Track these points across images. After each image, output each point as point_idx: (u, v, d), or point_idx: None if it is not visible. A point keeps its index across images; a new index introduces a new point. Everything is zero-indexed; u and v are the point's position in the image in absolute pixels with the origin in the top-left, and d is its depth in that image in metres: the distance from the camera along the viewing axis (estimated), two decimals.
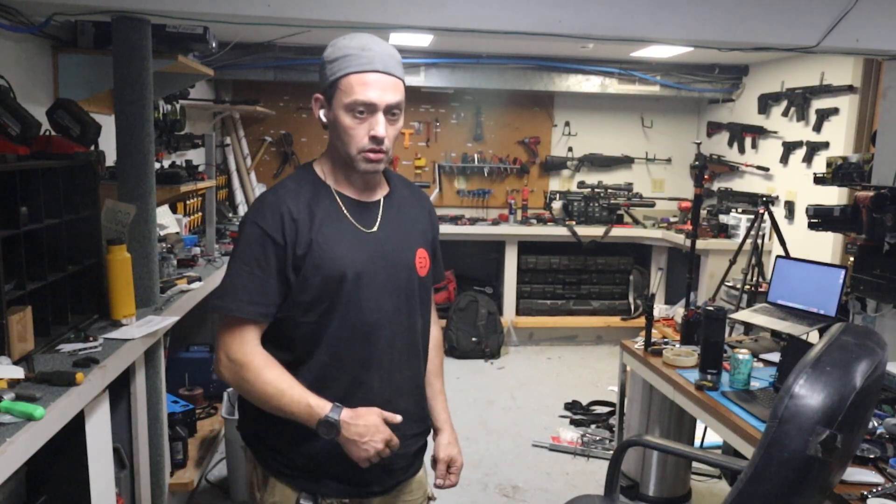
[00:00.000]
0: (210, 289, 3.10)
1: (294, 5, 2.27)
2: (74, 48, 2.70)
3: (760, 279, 3.86)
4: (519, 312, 5.47)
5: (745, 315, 3.03)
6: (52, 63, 2.70)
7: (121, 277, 2.19)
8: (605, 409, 4.08)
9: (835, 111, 4.21)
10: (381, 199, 1.48)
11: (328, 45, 1.40)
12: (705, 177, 4.58)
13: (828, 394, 1.19)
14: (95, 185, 2.18)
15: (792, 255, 3.47)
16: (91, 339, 2.02)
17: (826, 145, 4.28)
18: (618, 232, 5.33)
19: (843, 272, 2.75)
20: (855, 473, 1.77)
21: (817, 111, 4.35)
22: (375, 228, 1.44)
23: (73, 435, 1.78)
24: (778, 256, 3.12)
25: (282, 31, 3.98)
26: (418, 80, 5.10)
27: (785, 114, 4.68)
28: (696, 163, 4.00)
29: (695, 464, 3.14)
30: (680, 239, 4.90)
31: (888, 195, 2.60)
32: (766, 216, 3.92)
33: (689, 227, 4.44)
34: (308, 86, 5.32)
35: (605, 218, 5.41)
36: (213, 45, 2.88)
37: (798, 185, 4.50)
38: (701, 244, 4.42)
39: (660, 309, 5.12)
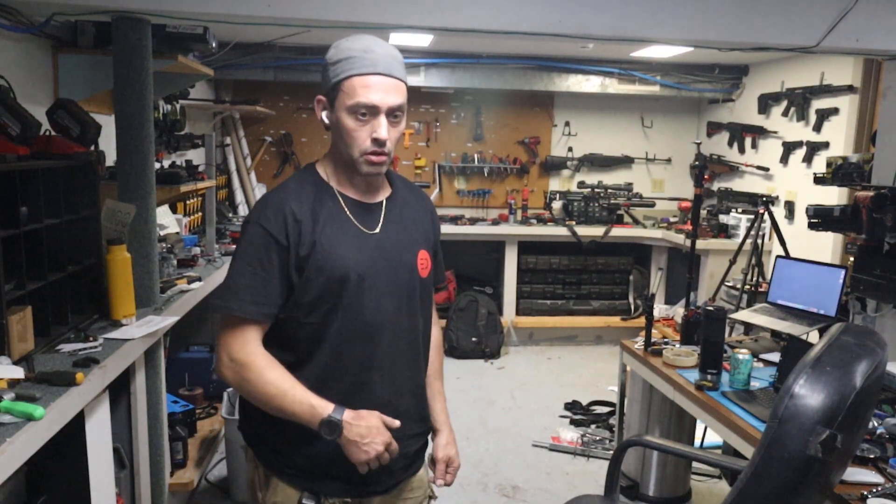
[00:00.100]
0: (210, 289, 3.10)
1: (294, 5, 2.27)
2: (74, 48, 2.70)
3: (760, 279, 3.86)
4: (519, 312, 5.47)
5: (745, 315, 3.03)
6: (52, 63, 2.70)
7: (121, 277, 2.19)
8: (605, 409, 4.08)
9: (835, 111, 4.21)
10: (384, 201, 1.49)
11: (331, 46, 1.40)
12: (705, 177, 4.59)
13: (828, 394, 1.19)
14: (95, 185, 2.18)
15: (792, 255, 3.47)
16: (91, 339, 2.02)
17: (826, 145, 4.28)
18: (618, 232, 5.33)
19: (843, 272, 2.75)
20: (855, 473, 1.78)
21: (817, 111, 4.35)
22: (378, 230, 1.44)
23: (73, 435, 1.78)
24: (778, 256, 3.12)
25: (282, 31, 3.98)
26: (418, 80, 5.11)
27: (785, 114, 4.68)
28: (696, 163, 4.01)
29: (695, 464, 3.14)
30: (680, 239, 4.90)
31: (888, 195, 2.60)
32: (766, 216, 3.92)
33: (689, 227, 4.44)
34: (308, 86, 5.32)
35: (605, 218, 5.41)
36: (213, 45, 2.88)
37: (798, 185, 4.50)
38: (701, 244, 4.42)
39: (660, 309, 5.12)
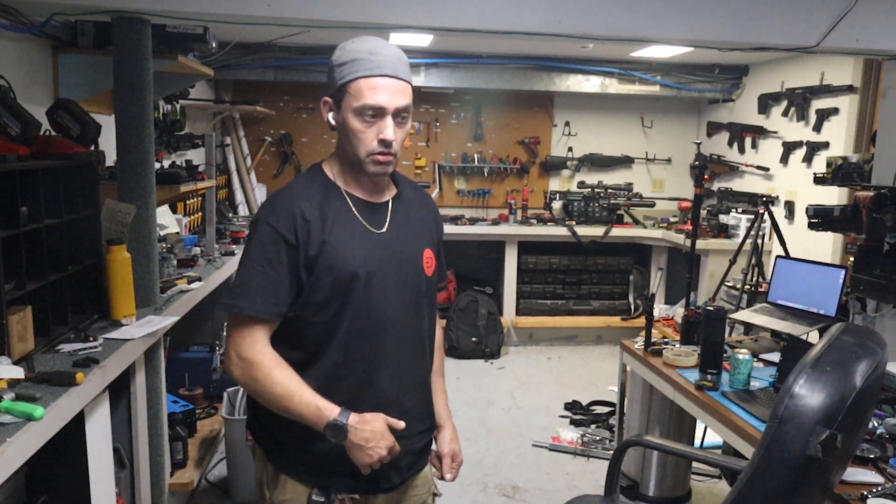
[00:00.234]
0: (210, 289, 3.10)
1: (294, 5, 2.27)
2: (74, 48, 2.70)
3: (760, 279, 3.86)
4: (519, 312, 5.47)
5: (745, 315, 3.03)
6: (52, 63, 2.70)
7: (121, 277, 2.19)
8: (605, 409, 4.08)
9: (835, 111, 4.21)
10: (390, 200, 1.51)
11: (336, 48, 1.41)
12: (705, 177, 4.58)
13: (828, 394, 1.19)
14: (95, 185, 2.18)
15: (792, 255, 3.47)
16: (91, 339, 2.02)
17: (826, 145, 4.28)
18: (618, 232, 5.33)
19: (843, 272, 2.74)
20: (855, 473, 1.78)
21: (817, 111, 4.35)
22: (385, 229, 1.46)
23: (73, 435, 1.78)
24: (778, 256, 3.12)
25: (282, 31, 3.98)
26: (418, 80, 5.10)
27: (785, 114, 4.68)
28: (696, 163, 4.01)
29: (695, 464, 3.14)
30: (680, 239, 4.90)
31: (888, 195, 2.60)
32: (766, 216, 3.92)
33: (689, 227, 4.44)
34: (308, 86, 5.32)
35: (605, 218, 5.41)
36: (213, 45, 2.88)
37: (798, 185, 4.50)
38: (701, 244, 4.42)
39: (660, 309, 5.12)
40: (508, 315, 5.42)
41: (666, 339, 3.03)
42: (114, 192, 2.38)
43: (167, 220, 3.61)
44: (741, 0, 2.54)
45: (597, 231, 5.28)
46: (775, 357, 2.63)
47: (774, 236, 4.05)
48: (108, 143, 2.45)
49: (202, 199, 4.15)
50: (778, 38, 2.60)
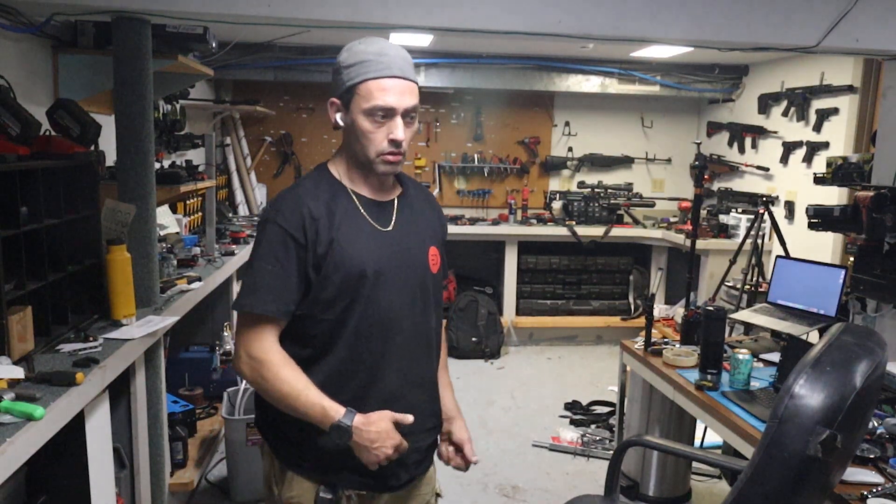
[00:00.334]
0: (210, 289, 3.11)
1: (294, 5, 2.27)
2: (74, 48, 2.70)
3: (760, 279, 3.86)
4: (519, 312, 5.47)
5: (745, 315, 3.03)
6: (52, 63, 2.70)
7: (121, 277, 2.19)
8: (605, 409, 4.08)
9: (835, 111, 4.21)
10: (395, 199, 1.53)
11: (342, 49, 1.43)
12: (705, 177, 4.58)
13: (828, 394, 1.19)
14: (95, 185, 2.18)
15: (792, 255, 3.47)
16: (91, 339, 2.02)
17: (826, 145, 4.28)
18: (618, 232, 5.32)
19: (843, 272, 2.74)
20: (855, 473, 1.78)
21: (817, 111, 4.35)
22: (391, 227, 1.48)
23: (73, 435, 1.78)
24: (778, 256, 3.12)
25: (282, 31, 3.98)
26: (418, 80, 5.10)
27: (785, 114, 4.68)
28: (696, 163, 4.00)
29: (695, 464, 3.14)
30: (680, 239, 4.90)
31: (888, 195, 2.60)
32: (766, 216, 3.92)
33: (689, 227, 4.44)
34: (308, 86, 5.33)
35: (605, 218, 5.40)
36: (213, 45, 2.88)
37: (798, 185, 4.50)
38: (701, 244, 4.42)
39: (660, 309, 5.12)
40: (508, 315, 5.42)
41: (666, 339, 3.03)
42: (114, 192, 2.38)
43: (167, 220, 3.61)
44: (741, 0, 2.54)
45: (597, 231, 5.28)
46: (775, 357, 2.63)
47: (774, 236, 4.05)
48: (108, 143, 2.45)
49: (202, 199, 4.15)
50: (778, 38, 2.60)
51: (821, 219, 3.01)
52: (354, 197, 1.46)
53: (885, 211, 2.57)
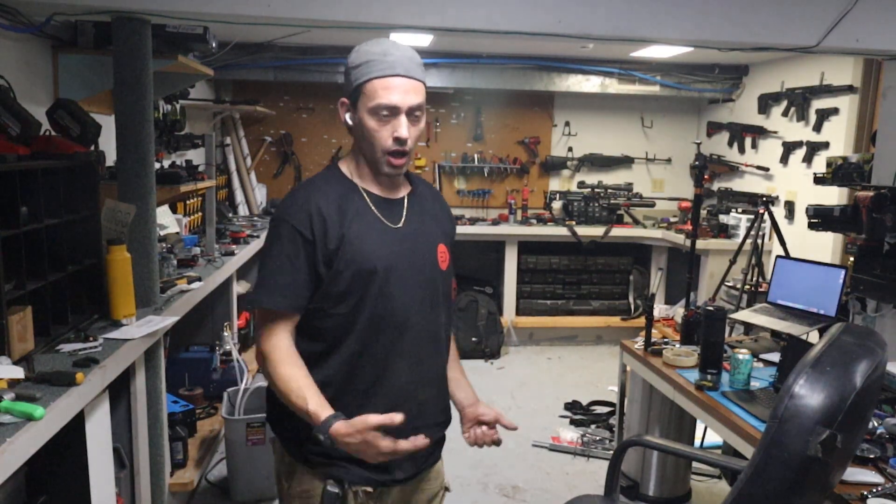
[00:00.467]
0: (210, 289, 3.11)
1: (294, 5, 2.27)
2: (74, 48, 2.70)
3: (760, 279, 3.86)
4: (519, 312, 5.47)
5: (745, 315, 3.03)
6: (52, 63, 2.70)
7: (121, 277, 2.19)
8: (605, 409, 4.08)
9: (835, 111, 4.21)
10: (405, 197, 1.55)
11: (352, 50, 1.46)
12: (705, 177, 4.58)
13: (828, 394, 1.19)
14: (95, 185, 2.18)
15: (792, 255, 3.47)
16: (91, 339, 2.02)
17: (826, 145, 4.28)
18: (618, 232, 5.32)
19: (843, 272, 2.75)
20: (855, 473, 1.78)
21: (817, 111, 4.35)
22: (401, 224, 1.51)
23: (73, 435, 1.78)
24: (778, 256, 3.12)
25: (282, 31, 3.98)
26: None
27: (785, 114, 4.68)
28: (696, 163, 4.00)
29: (695, 464, 3.14)
30: (680, 239, 4.90)
31: (888, 195, 2.60)
32: (766, 216, 3.92)
33: (689, 227, 4.44)
34: (308, 86, 5.33)
35: (605, 218, 5.41)
36: (213, 45, 2.88)
37: (798, 185, 4.50)
38: (701, 244, 4.42)
39: (660, 309, 5.12)
40: (508, 315, 5.42)
41: (666, 339, 3.03)
42: (114, 192, 2.38)
43: (167, 220, 3.61)
44: (741, 0, 2.54)
45: (597, 231, 5.28)
46: (775, 357, 2.63)
47: (774, 236, 4.05)
48: (108, 143, 2.45)
49: (202, 199, 4.15)
50: (778, 38, 2.60)
51: (821, 219, 3.01)
52: (365, 194, 1.49)
53: (885, 211, 2.57)
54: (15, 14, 2.27)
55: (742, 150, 5.23)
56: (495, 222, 5.44)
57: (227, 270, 3.45)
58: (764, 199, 4.10)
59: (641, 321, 4.42)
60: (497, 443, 1.58)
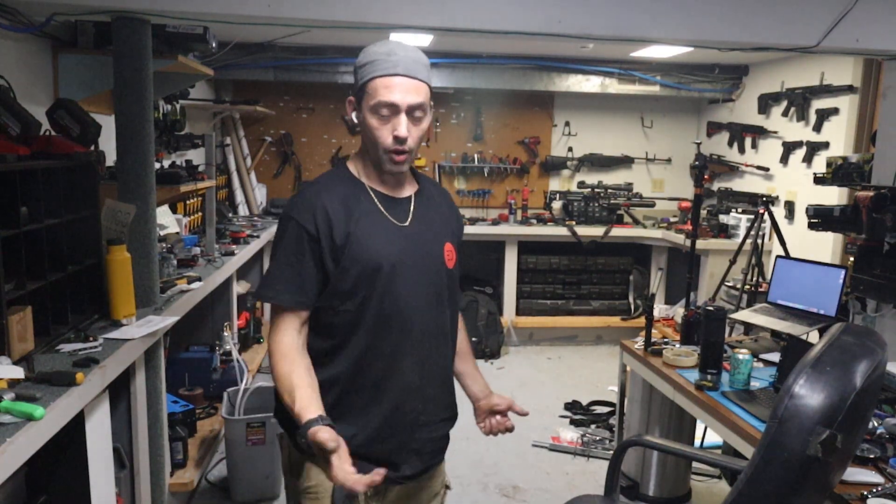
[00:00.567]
0: (210, 289, 3.11)
1: (294, 5, 2.27)
2: (74, 48, 2.71)
3: (760, 279, 3.86)
4: (519, 312, 5.47)
5: (745, 315, 3.03)
6: (52, 63, 2.70)
7: (121, 277, 2.19)
8: (605, 409, 4.08)
9: (835, 111, 4.21)
10: (412, 196, 1.57)
11: (360, 51, 1.49)
12: (705, 177, 4.58)
13: (828, 394, 1.19)
14: (95, 185, 2.18)
15: (792, 255, 3.47)
16: (91, 339, 2.02)
17: (826, 145, 4.28)
18: (618, 232, 5.32)
19: (843, 272, 2.74)
20: (855, 473, 1.78)
21: (817, 111, 4.35)
22: (407, 222, 1.53)
23: (73, 435, 1.78)
24: (778, 256, 3.12)
25: (282, 31, 3.98)
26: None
27: (785, 114, 4.68)
28: (696, 163, 4.00)
29: (695, 464, 3.14)
30: (680, 239, 4.90)
31: (888, 195, 2.60)
32: (766, 216, 3.92)
33: (689, 227, 4.44)
34: (308, 86, 5.33)
35: (605, 218, 5.41)
36: (213, 45, 2.88)
37: (798, 185, 4.50)
38: (701, 244, 4.42)
39: (660, 309, 5.12)
40: (508, 315, 5.42)
41: (666, 339, 3.03)
42: (114, 192, 2.38)
43: (167, 220, 3.61)
44: (741, 0, 2.54)
45: (597, 231, 5.28)
46: (775, 357, 2.63)
47: (774, 236, 4.05)
48: (108, 143, 2.45)
49: (202, 199, 4.15)
50: (778, 38, 2.60)
51: (821, 219, 3.01)
52: (372, 193, 1.51)
53: (885, 211, 2.57)
54: (15, 14, 2.27)
55: (742, 150, 5.23)
56: (495, 222, 5.44)
57: (227, 270, 3.45)
58: (764, 199, 4.10)
59: (641, 321, 4.42)
60: (510, 429, 1.71)
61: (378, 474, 1.30)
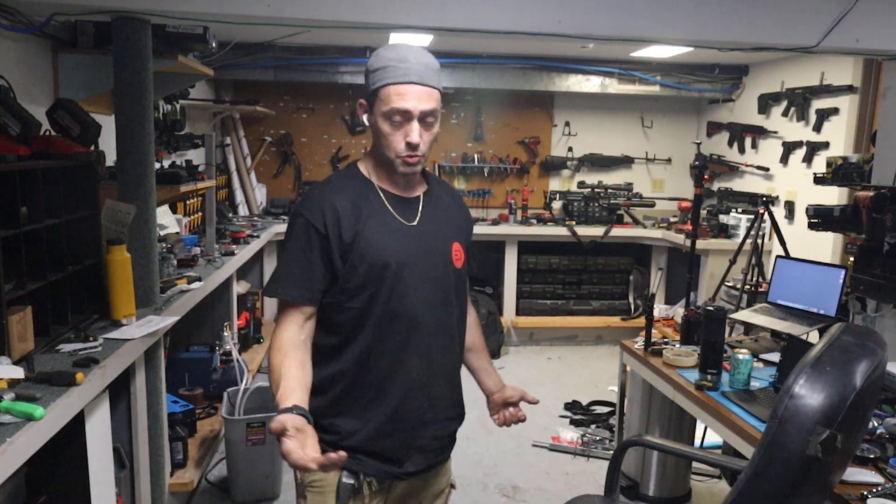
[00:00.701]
0: (210, 289, 3.11)
1: (294, 5, 2.27)
2: (74, 48, 2.71)
3: (760, 279, 3.86)
4: (519, 312, 5.47)
5: (745, 315, 3.03)
6: (52, 63, 2.70)
7: (121, 277, 2.19)
8: (605, 409, 4.08)
9: (835, 111, 4.21)
10: (421, 196, 1.59)
11: (372, 54, 1.50)
12: (705, 177, 4.59)
13: (828, 394, 1.19)
14: (95, 185, 2.18)
15: (792, 255, 3.47)
16: (91, 339, 2.02)
17: (826, 145, 4.28)
18: (618, 232, 5.32)
19: (843, 272, 2.74)
20: (855, 473, 1.78)
21: (817, 111, 4.35)
22: (416, 222, 1.55)
23: (73, 435, 1.78)
24: (778, 256, 3.12)
25: (282, 31, 3.98)
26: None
27: (785, 114, 4.68)
28: (696, 163, 4.00)
29: (695, 464, 3.14)
30: (680, 239, 4.90)
31: (888, 195, 2.60)
32: (766, 216, 3.92)
33: (689, 227, 4.44)
34: (308, 86, 5.33)
35: (605, 218, 5.41)
36: (213, 45, 2.88)
37: (798, 185, 4.50)
38: (701, 244, 4.42)
39: (660, 309, 5.12)
40: (508, 315, 5.42)
41: (666, 339, 3.03)
42: (114, 192, 2.38)
43: (167, 220, 3.61)
44: (741, 0, 2.54)
45: (597, 231, 5.28)
46: (775, 357, 2.63)
47: (774, 236, 4.05)
48: (108, 143, 2.45)
49: (202, 199, 4.15)
50: (778, 38, 2.60)
51: (821, 219, 3.01)
52: (381, 193, 1.53)
53: (885, 211, 2.57)
54: (15, 14, 2.27)
55: (742, 150, 5.23)
56: (495, 222, 5.44)
57: (227, 270, 3.45)
58: (764, 199, 4.10)
59: (641, 321, 4.42)
60: (523, 419, 1.76)
61: (337, 456, 1.22)
